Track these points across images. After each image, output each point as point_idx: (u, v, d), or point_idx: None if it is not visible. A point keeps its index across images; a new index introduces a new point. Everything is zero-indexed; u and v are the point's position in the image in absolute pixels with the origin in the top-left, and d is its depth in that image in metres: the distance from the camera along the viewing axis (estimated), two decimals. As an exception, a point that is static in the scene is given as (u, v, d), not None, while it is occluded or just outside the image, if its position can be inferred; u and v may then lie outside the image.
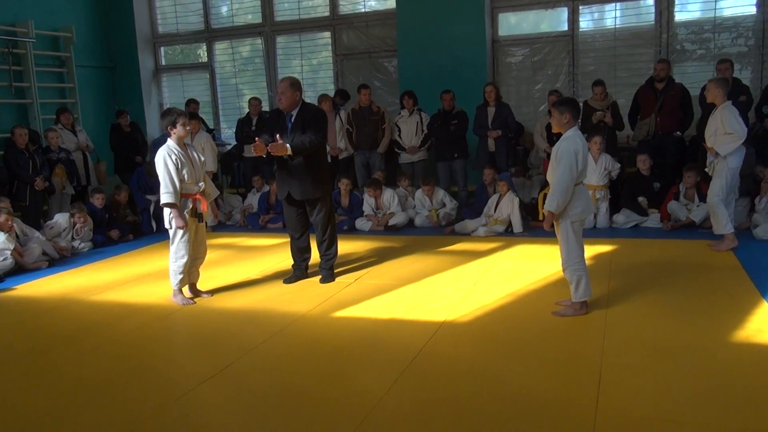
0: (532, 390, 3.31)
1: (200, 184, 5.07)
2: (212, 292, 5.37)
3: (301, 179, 5.37)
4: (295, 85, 5.34)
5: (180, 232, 4.94)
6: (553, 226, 4.39)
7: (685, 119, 7.42)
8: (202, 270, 5.37)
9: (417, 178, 8.28)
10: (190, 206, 4.99)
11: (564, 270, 4.41)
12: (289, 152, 5.15)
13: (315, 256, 5.74)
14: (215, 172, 8.32)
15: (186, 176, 4.92)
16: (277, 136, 5.14)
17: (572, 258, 4.34)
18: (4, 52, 8.78)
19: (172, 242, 5.00)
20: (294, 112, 5.35)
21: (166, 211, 4.92)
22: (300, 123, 5.30)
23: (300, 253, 5.67)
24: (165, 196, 4.86)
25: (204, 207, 5.08)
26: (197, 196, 5.03)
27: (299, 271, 5.66)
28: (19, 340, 4.54)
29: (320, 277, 5.58)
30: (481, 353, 3.88)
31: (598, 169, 7.30)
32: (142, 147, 9.37)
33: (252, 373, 3.72)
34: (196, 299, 5.20)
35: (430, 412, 3.16)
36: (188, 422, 3.22)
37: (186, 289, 5.21)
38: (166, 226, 4.99)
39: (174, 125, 4.88)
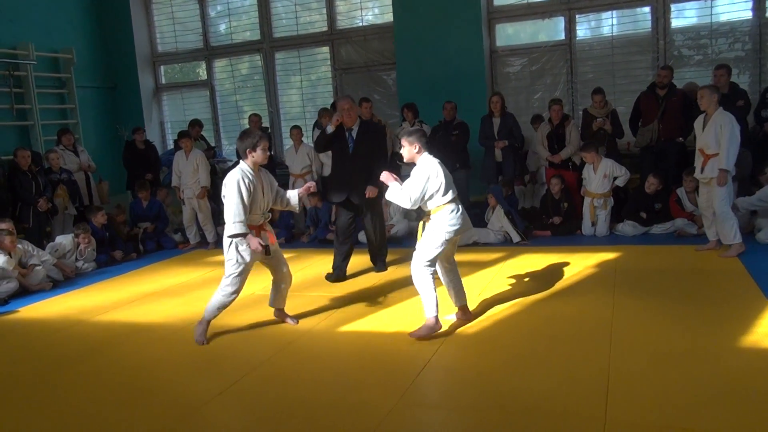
0: (540, 401, 3.30)
1: (267, 213, 4.60)
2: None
3: (362, 185, 5.84)
4: (355, 102, 5.99)
5: (236, 264, 4.40)
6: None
7: (687, 125, 7.42)
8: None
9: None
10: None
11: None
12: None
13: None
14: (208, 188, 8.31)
15: (253, 205, 4.41)
16: None
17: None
18: (5, 74, 8.83)
19: (227, 274, 4.46)
20: (355, 128, 5.93)
21: (227, 240, 4.40)
22: (363, 139, 5.89)
23: (344, 257, 6.12)
24: (235, 226, 4.28)
25: (272, 240, 4.59)
26: (263, 227, 4.54)
27: (340, 270, 6.10)
28: (23, 362, 4.52)
29: (376, 267, 6.33)
30: (487, 364, 3.87)
31: (597, 177, 7.31)
32: (154, 164, 9.35)
33: (259, 390, 3.71)
34: (287, 321, 4.89)
35: (438, 425, 3.15)
36: (196, 441, 3.20)
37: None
38: (226, 254, 4.45)
39: (254, 148, 4.37)
